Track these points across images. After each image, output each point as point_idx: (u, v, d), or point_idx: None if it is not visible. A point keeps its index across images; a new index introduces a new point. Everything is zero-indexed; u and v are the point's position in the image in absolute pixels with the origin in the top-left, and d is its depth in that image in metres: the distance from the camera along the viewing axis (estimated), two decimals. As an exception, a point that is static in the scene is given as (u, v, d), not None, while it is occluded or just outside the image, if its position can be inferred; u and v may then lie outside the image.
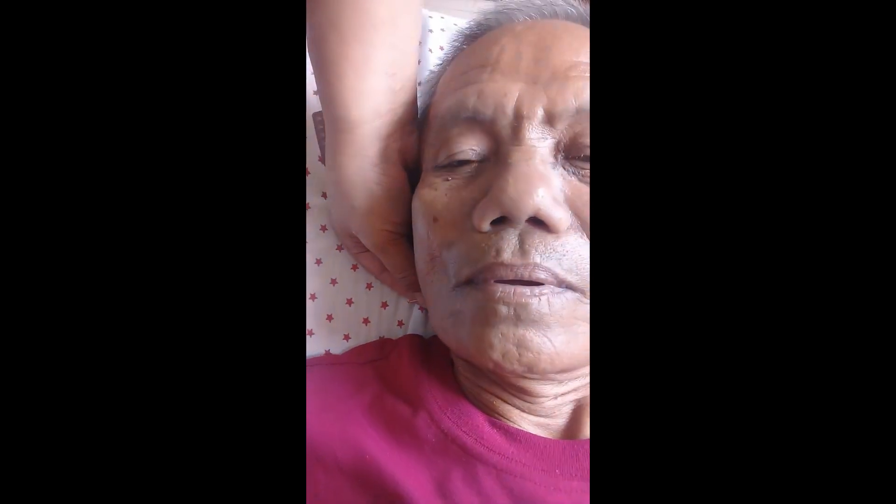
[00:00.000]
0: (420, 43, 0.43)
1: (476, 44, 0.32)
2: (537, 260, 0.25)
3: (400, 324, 0.41)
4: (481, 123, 0.28)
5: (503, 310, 0.25)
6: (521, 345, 0.25)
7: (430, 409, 0.29)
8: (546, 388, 0.28)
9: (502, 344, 0.25)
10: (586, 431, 0.29)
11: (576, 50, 0.28)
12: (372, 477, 0.27)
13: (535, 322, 0.25)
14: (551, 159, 0.27)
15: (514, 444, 0.28)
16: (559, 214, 0.25)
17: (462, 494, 0.25)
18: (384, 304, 0.41)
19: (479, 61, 0.30)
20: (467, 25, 0.36)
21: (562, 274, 0.25)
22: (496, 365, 0.26)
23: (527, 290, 0.25)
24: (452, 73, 0.32)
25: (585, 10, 0.34)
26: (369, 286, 0.41)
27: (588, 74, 0.28)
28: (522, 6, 0.33)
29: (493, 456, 0.27)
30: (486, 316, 0.26)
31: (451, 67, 0.33)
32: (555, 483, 0.26)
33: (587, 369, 0.29)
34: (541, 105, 0.27)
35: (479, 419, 0.29)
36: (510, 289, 0.25)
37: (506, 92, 0.27)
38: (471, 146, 0.28)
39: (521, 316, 0.25)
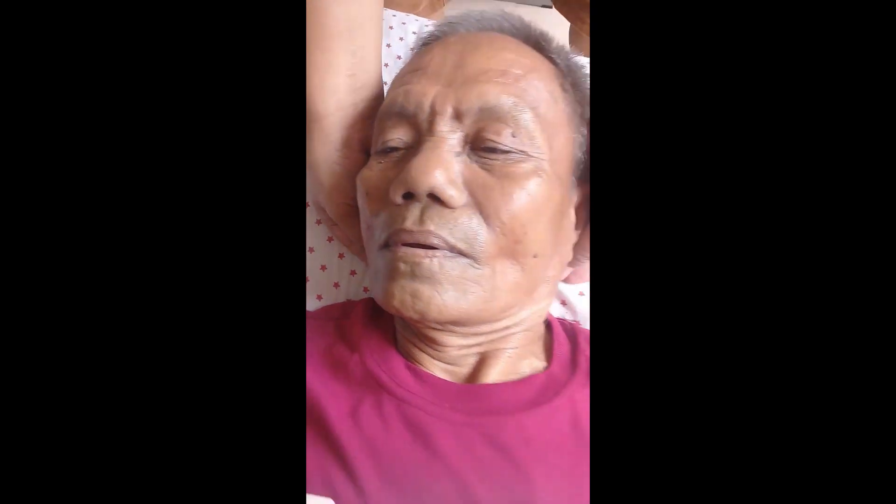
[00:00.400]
0: (388, 45, 0.49)
1: (419, 51, 0.39)
2: (431, 228, 0.31)
3: (365, 290, 0.48)
4: (406, 117, 0.34)
5: (403, 267, 0.31)
6: (414, 295, 0.31)
7: (363, 353, 0.36)
8: (450, 339, 0.34)
9: (401, 294, 0.31)
10: (485, 379, 0.34)
11: (489, 57, 0.34)
12: (310, 403, 0.33)
13: (427, 278, 0.31)
14: (458, 149, 0.33)
15: (419, 383, 0.34)
16: (452, 192, 0.31)
17: (367, 417, 0.32)
18: (353, 272, 0.48)
19: (414, 66, 0.36)
20: (423, 36, 0.42)
21: (452, 241, 0.31)
22: (397, 311, 0.32)
23: (421, 251, 0.31)
24: (398, 75, 0.38)
25: (521, 23, 0.39)
26: (341, 256, 0.48)
27: (501, 79, 0.33)
28: (463, 21, 0.39)
29: (399, 390, 0.33)
30: (391, 272, 0.32)
31: (399, 70, 0.39)
32: (442, 414, 0.32)
33: (489, 327, 0.34)
34: (450, 104, 0.33)
35: (398, 363, 0.35)
36: (410, 251, 0.31)
37: (426, 92, 0.33)
38: (399, 136, 0.34)
39: (415, 272, 0.31)
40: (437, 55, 0.35)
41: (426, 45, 0.40)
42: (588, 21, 0.79)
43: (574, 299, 0.47)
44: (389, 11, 0.59)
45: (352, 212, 0.40)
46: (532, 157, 0.32)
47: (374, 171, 0.35)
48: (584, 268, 0.43)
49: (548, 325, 0.40)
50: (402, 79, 0.36)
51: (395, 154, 0.35)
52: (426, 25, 0.44)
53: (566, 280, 0.45)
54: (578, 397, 0.34)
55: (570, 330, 0.40)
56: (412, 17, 0.60)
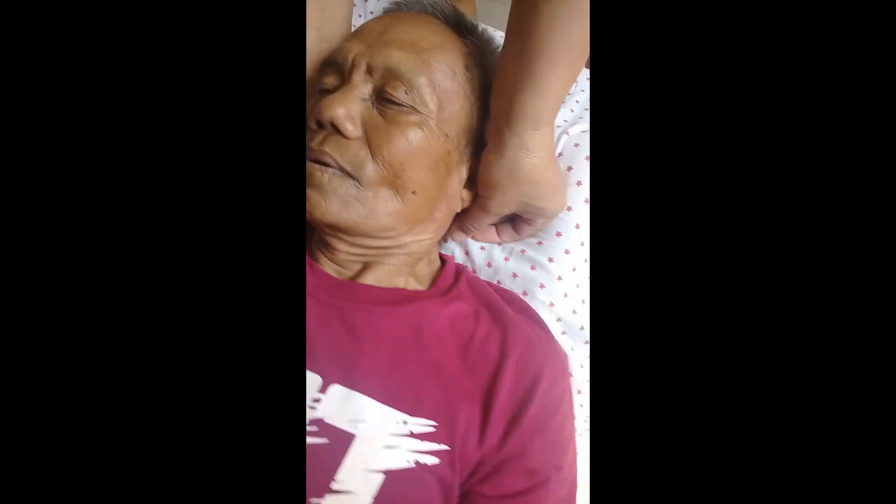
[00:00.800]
0: (360, 16, 0.58)
1: (367, 20, 0.48)
2: (327, 150, 0.40)
3: None
4: (336, 67, 0.43)
5: (307, 177, 0.41)
6: (308, 200, 0.40)
7: None
8: (340, 245, 0.44)
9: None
10: (361, 280, 0.44)
11: (405, 31, 0.43)
12: None
13: (317, 188, 0.40)
14: (365, 96, 0.42)
15: (314, 275, 0.43)
16: (347, 126, 0.40)
17: None
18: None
19: (356, 31, 0.45)
20: (380, 10, 0.51)
21: (342, 163, 0.40)
22: None
23: (318, 166, 0.40)
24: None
25: (451, 10, 0.48)
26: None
27: (407, 49, 0.41)
28: (406, 2, 0.48)
29: None
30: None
31: None
32: (318, 297, 0.41)
33: (371, 241, 0.43)
34: (365, 61, 0.42)
35: (306, 261, 0.45)
36: (311, 164, 0.41)
37: (352, 49, 0.42)
38: (330, 81, 0.44)
39: (311, 182, 0.40)
40: (372, 24, 0.45)
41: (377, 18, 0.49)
42: None
43: (476, 252, 0.56)
44: None
45: None
46: (419, 112, 0.41)
47: (312, 104, 0.45)
48: (490, 230, 0.51)
49: (443, 262, 0.50)
50: (346, 38, 0.46)
51: (327, 94, 0.44)
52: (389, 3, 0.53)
53: (473, 236, 0.53)
54: (429, 309, 0.43)
55: (459, 271, 0.49)
56: None
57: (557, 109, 0.43)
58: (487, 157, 0.44)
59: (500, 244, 0.52)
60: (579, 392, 0.51)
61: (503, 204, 0.46)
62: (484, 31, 0.49)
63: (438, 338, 0.41)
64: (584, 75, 0.59)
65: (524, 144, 0.42)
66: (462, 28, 0.47)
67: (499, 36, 0.51)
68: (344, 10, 0.49)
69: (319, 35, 0.47)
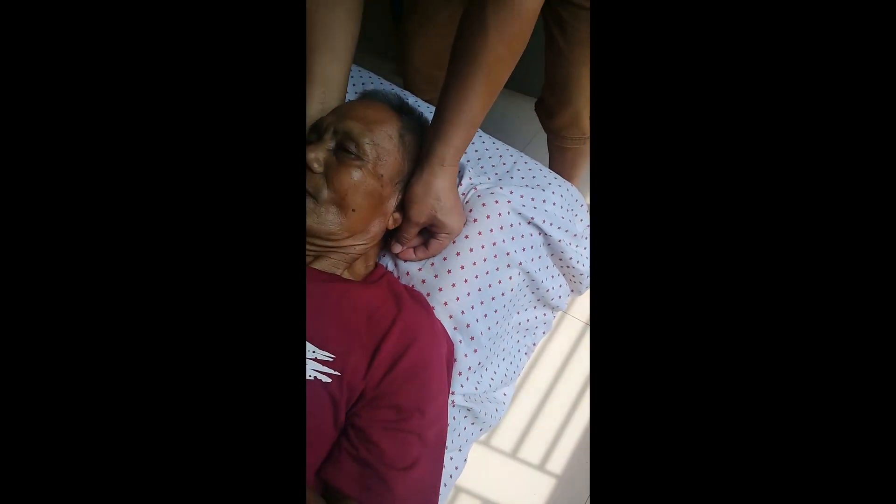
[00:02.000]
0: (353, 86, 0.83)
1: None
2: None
3: None
4: (317, 128, 0.67)
5: None
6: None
7: None
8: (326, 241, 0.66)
9: None
10: (312, 265, 0.65)
11: (361, 110, 0.67)
12: None
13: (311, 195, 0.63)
14: (331, 147, 0.65)
15: None
16: (314, 165, 0.63)
17: None
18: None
19: (333, 110, 0.70)
20: (357, 93, 0.76)
21: (309, 189, 0.63)
22: None
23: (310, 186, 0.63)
24: None
25: (397, 98, 0.72)
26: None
27: (359, 121, 0.65)
28: (371, 92, 0.72)
29: None
30: None
31: None
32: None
33: (321, 241, 0.64)
34: (333, 126, 0.65)
35: None
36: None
37: (326, 119, 0.67)
38: (313, 136, 0.67)
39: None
40: (343, 105, 0.69)
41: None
42: (425, 93, 1.08)
43: (400, 265, 0.75)
44: (356, 67, 0.93)
45: None
46: (362, 160, 0.64)
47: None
48: (409, 251, 0.72)
49: (378, 270, 0.70)
50: (328, 114, 0.70)
51: (308, 144, 0.68)
52: (376, 85, 0.80)
53: (399, 256, 0.74)
54: (353, 290, 0.63)
55: (384, 273, 0.70)
56: (372, 75, 0.94)
57: (458, 157, 0.66)
58: (412, 179, 0.67)
59: (416, 260, 0.73)
60: (460, 374, 0.69)
61: (419, 213, 0.67)
62: (419, 112, 0.73)
63: (353, 308, 0.61)
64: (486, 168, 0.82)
65: (435, 172, 0.65)
66: (402, 109, 0.71)
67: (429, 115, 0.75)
68: (341, 91, 0.74)
69: (323, 108, 0.72)
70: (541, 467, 1.06)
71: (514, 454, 1.08)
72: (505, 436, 1.09)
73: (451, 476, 0.72)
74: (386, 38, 1.71)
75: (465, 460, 0.75)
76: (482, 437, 1.09)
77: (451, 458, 0.73)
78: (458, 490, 1.05)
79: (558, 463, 1.06)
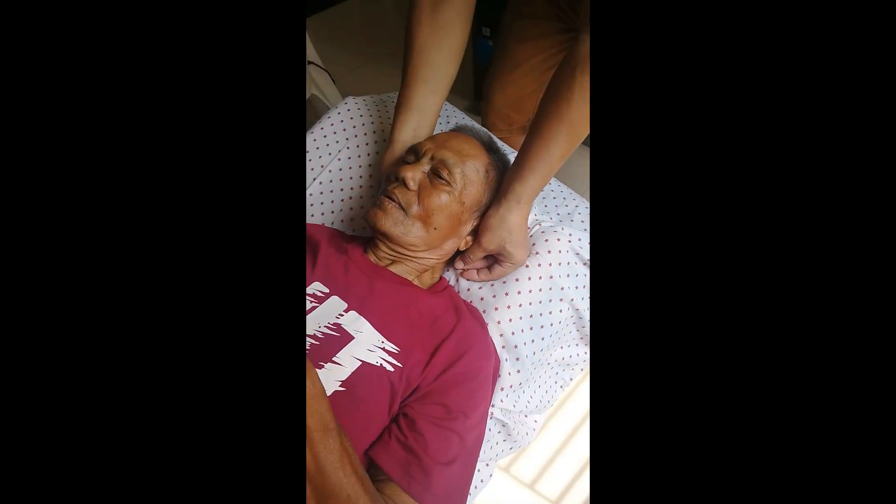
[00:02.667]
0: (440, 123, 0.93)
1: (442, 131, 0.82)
2: (395, 192, 0.71)
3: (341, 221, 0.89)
4: (415, 151, 0.76)
5: (378, 202, 0.72)
6: (375, 216, 0.71)
7: (350, 246, 0.77)
8: (381, 246, 0.73)
9: (373, 214, 0.72)
10: (389, 268, 0.73)
11: (457, 142, 0.75)
12: (315, 246, 0.75)
13: (383, 209, 0.71)
14: (426, 170, 0.73)
15: (363, 259, 0.73)
16: (410, 183, 0.71)
17: (339, 264, 0.72)
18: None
19: (431, 137, 0.79)
20: (450, 126, 0.85)
21: (400, 200, 0.71)
22: (371, 222, 0.73)
23: (387, 199, 0.71)
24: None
25: (487, 136, 0.80)
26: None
27: (455, 152, 0.74)
28: (464, 127, 0.81)
29: (354, 260, 0.73)
30: (375, 204, 0.73)
31: None
32: (359, 269, 0.71)
33: (401, 249, 0.72)
34: (431, 152, 0.74)
35: (359, 251, 0.75)
36: (383, 197, 0.72)
37: (425, 145, 0.75)
38: (411, 157, 0.76)
39: (381, 206, 0.71)
40: (440, 135, 0.78)
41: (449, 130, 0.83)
42: (503, 132, 1.19)
43: (462, 282, 0.82)
44: (447, 104, 1.03)
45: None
46: (450, 186, 0.72)
47: (394, 164, 0.78)
48: (473, 272, 0.80)
49: (442, 282, 0.78)
50: (427, 139, 0.80)
51: (403, 164, 0.77)
52: (460, 120, 0.90)
53: (463, 276, 0.81)
54: (419, 295, 0.70)
55: (447, 286, 0.77)
56: (455, 109, 1.04)
57: (533, 197, 0.73)
58: (489, 211, 0.75)
59: (476, 281, 0.80)
60: (502, 389, 0.75)
61: (490, 241, 0.74)
62: (504, 152, 0.82)
63: (420, 312, 0.69)
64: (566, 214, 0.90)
65: (510, 208, 0.73)
66: (491, 147, 0.79)
67: (511, 155, 0.83)
68: (432, 121, 0.84)
69: (414, 133, 0.82)
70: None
71: (532, 485, 1.10)
72: (526, 466, 1.12)
73: (475, 487, 0.77)
74: (464, 79, 1.84)
75: (491, 475, 0.80)
76: (503, 463, 1.12)
77: (479, 471, 0.77)
78: (473, 510, 1.08)
79: (574, 501, 1.08)
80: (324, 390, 0.51)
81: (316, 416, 0.49)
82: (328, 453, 0.48)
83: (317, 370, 0.60)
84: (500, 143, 0.84)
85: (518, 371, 0.76)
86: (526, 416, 0.82)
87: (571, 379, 0.91)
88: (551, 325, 0.79)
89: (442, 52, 0.81)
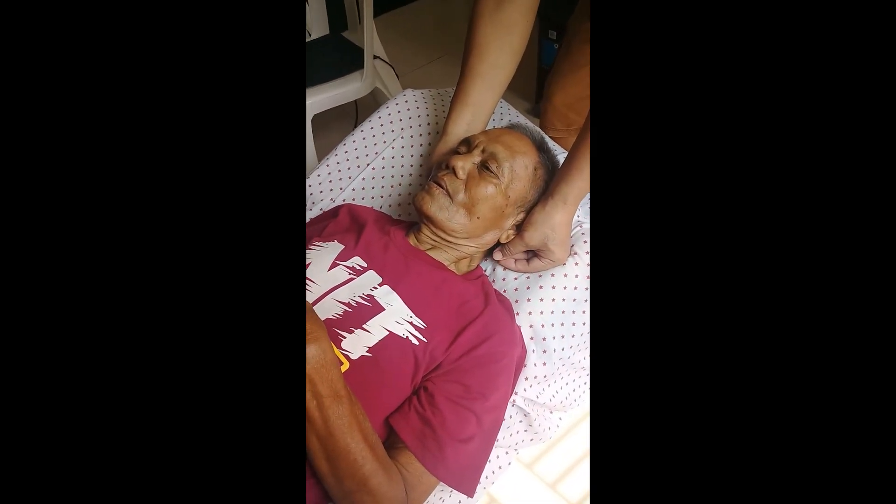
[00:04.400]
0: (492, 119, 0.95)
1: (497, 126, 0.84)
2: (445, 179, 0.74)
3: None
4: (467, 143, 0.79)
5: (427, 188, 0.75)
6: (423, 199, 0.74)
7: (393, 228, 0.81)
8: (425, 230, 0.77)
9: (420, 198, 0.75)
10: (428, 252, 0.76)
11: (509, 138, 0.77)
12: (363, 223, 0.79)
13: (430, 194, 0.74)
14: (476, 161, 0.76)
15: (404, 241, 0.77)
16: (459, 172, 0.74)
17: (379, 242, 0.76)
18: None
19: (485, 131, 0.81)
20: (505, 123, 0.87)
21: (448, 187, 0.74)
22: (418, 205, 0.76)
23: (435, 185, 0.74)
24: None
25: (538, 134, 0.82)
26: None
27: (506, 147, 0.76)
28: (517, 125, 0.83)
29: (395, 242, 0.77)
30: (424, 188, 0.76)
31: None
32: (399, 251, 0.75)
33: (444, 235, 0.75)
34: (483, 145, 0.76)
35: (401, 234, 0.79)
36: (432, 183, 0.75)
37: (478, 137, 0.78)
38: (463, 148, 0.78)
39: (429, 191, 0.74)
40: (494, 130, 0.80)
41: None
42: (560, 132, 1.19)
43: (498, 271, 0.84)
44: (504, 102, 1.05)
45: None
46: (498, 178, 0.74)
47: (446, 154, 0.81)
48: (510, 261, 0.81)
49: (477, 270, 0.80)
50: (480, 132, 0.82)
51: (455, 153, 0.80)
52: (514, 118, 0.91)
53: (501, 263, 0.83)
54: (452, 279, 0.73)
55: (480, 275, 0.79)
56: (511, 108, 1.06)
57: (580, 198, 0.74)
58: (536, 207, 0.76)
59: (514, 270, 0.81)
60: (526, 379, 0.76)
61: (533, 237, 0.76)
62: (554, 153, 0.83)
63: (450, 293, 0.71)
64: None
65: (557, 207, 0.74)
66: (542, 146, 0.81)
67: (561, 157, 0.84)
68: (486, 118, 0.87)
69: (468, 128, 0.85)
70: (577, 511, 1.07)
71: (554, 485, 1.10)
72: (551, 465, 1.12)
73: (493, 472, 0.78)
74: (527, 82, 1.85)
75: (510, 464, 0.81)
76: (527, 459, 1.12)
77: (497, 457, 0.79)
78: (492, 500, 1.08)
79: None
80: (336, 360, 0.55)
81: (327, 384, 0.53)
82: (337, 418, 0.52)
83: (343, 337, 0.64)
84: (551, 144, 0.85)
85: (544, 364, 0.76)
86: (551, 411, 0.83)
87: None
88: (583, 324, 0.79)
89: (502, 50, 0.83)
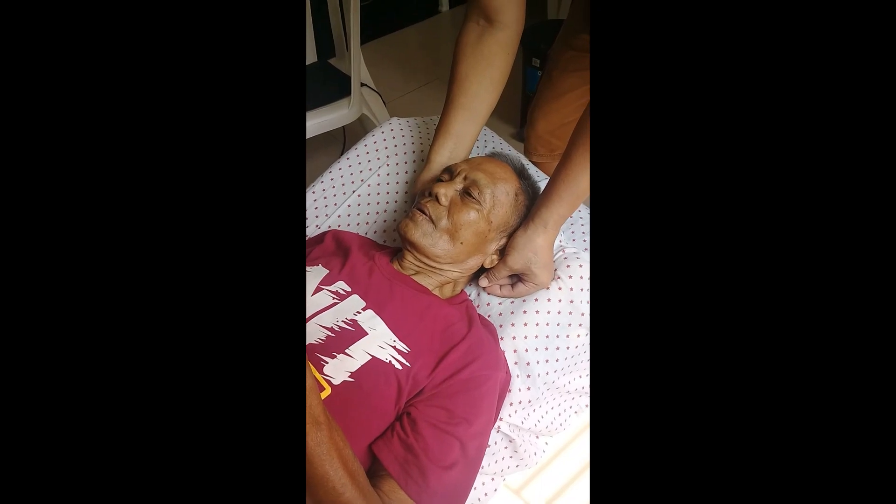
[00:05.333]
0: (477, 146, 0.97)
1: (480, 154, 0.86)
2: (427, 206, 0.75)
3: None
4: (450, 171, 0.80)
5: (410, 215, 0.77)
6: (406, 227, 0.75)
7: (377, 254, 0.82)
8: (408, 256, 0.77)
9: (404, 225, 0.76)
10: (412, 276, 0.77)
11: (490, 166, 0.79)
12: (349, 249, 0.80)
13: (414, 221, 0.75)
14: (458, 188, 0.77)
15: (388, 266, 0.78)
16: (442, 199, 0.75)
17: (363, 266, 0.77)
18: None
19: (467, 159, 0.83)
20: (486, 152, 0.89)
21: (431, 214, 0.75)
22: (401, 232, 0.77)
23: (419, 212, 0.76)
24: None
25: (518, 161, 0.83)
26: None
27: (487, 175, 0.77)
28: (499, 154, 0.85)
29: (380, 267, 0.78)
30: (408, 216, 0.77)
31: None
32: (383, 275, 0.75)
33: (427, 260, 0.76)
34: (465, 173, 0.78)
35: (386, 260, 0.80)
36: (415, 210, 0.76)
37: (460, 166, 0.80)
38: (445, 176, 0.80)
39: (413, 218, 0.76)
40: (476, 158, 0.82)
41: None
42: (543, 157, 1.22)
43: (483, 296, 0.85)
44: (487, 129, 1.07)
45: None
46: (480, 204, 0.76)
47: (429, 182, 0.82)
48: (495, 287, 0.82)
49: (461, 295, 0.81)
50: (462, 161, 0.84)
51: (438, 181, 0.81)
52: (497, 144, 0.94)
53: (486, 290, 0.84)
54: (436, 304, 0.74)
55: (465, 300, 0.80)
56: (494, 135, 1.08)
57: (560, 223, 0.76)
58: (518, 231, 0.78)
59: (498, 296, 0.82)
60: (511, 404, 0.76)
61: (516, 261, 0.77)
62: (534, 179, 0.84)
63: (434, 318, 0.72)
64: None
65: (537, 231, 0.75)
66: (523, 173, 0.83)
67: (543, 182, 0.86)
68: (469, 147, 0.89)
69: (451, 156, 0.87)
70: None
71: (542, 513, 1.08)
72: (539, 489, 1.10)
73: (479, 499, 0.78)
74: (512, 107, 1.89)
75: (496, 490, 0.80)
76: (515, 484, 1.11)
77: (483, 484, 0.78)
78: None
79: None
80: (315, 386, 0.55)
81: (305, 410, 0.52)
82: (315, 445, 0.52)
83: (326, 362, 0.64)
84: (533, 171, 0.87)
85: (528, 388, 0.77)
86: (537, 436, 0.82)
87: (587, 406, 0.90)
88: (567, 348, 0.80)
89: (483, 82, 0.86)
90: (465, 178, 0.77)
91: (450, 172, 0.80)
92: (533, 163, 1.07)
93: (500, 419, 0.75)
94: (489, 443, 0.71)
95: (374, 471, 0.63)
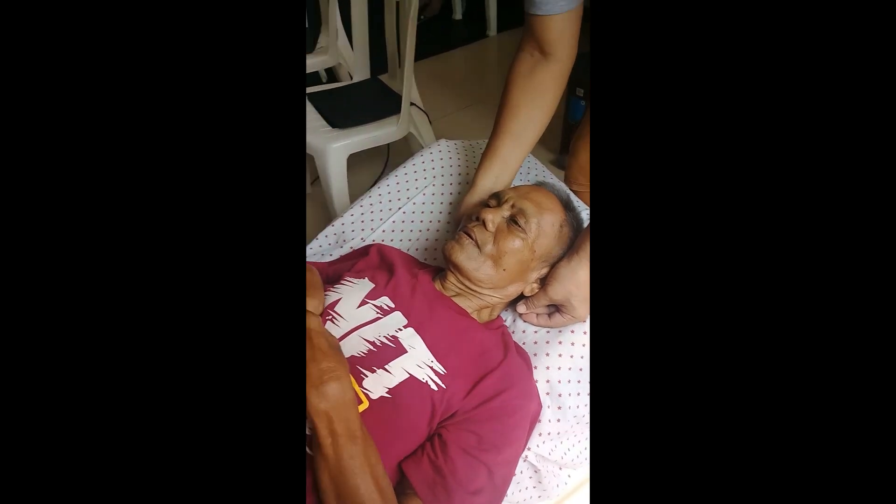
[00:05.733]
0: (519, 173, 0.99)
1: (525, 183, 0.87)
2: (474, 230, 0.77)
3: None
4: (497, 197, 0.82)
5: (457, 237, 0.78)
6: (452, 248, 0.77)
7: (420, 272, 0.84)
8: (451, 277, 0.79)
9: (450, 247, 0.78)
10: (453, 298, 0.78)
11: (537, 196, 0.80)
12: (393, 265, 0.82)
13: (459, 244, 0.77)
14: (505, 215, 0.79)
15: (430, 286, 0.80)
16: (489, 225, 0.77)
17: (407, 284, 0.78)
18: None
19: (515, 187, 0.85)
20: (531, 180, 0.90)
21: (477, 238, 0.76)
22: (447, 253, 0.79)
23: (465, 236, 0.77)
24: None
25: (564, 192, 0.85)
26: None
27: (534, 204, 0.79)
28: (544, 183, 0.86)
29: (422, 286, 0.79)
30: (454, 238, 0.79)
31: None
32: (424, 295, 0.77)
33: (469, 283, 0.78)
34: (512, 200, 0.80)
35: (428, 278, 0.81)
36: (461, 233, 0.78)
37: (507, 192, 0.81)
38: (493, 202, 0.81)
39: (459, 241, 0.77)
40: (523, 187, 0.84)
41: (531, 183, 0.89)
42: (583, 187, 1.22)
43: (518, 324, 0.86)
44: (531, 157, 1.08)
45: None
46: (525, 233, 0.77)
47: (475, 206, 0.84)
48: (532, 316, 0.83)
49: (498, 320, 0.82)
50: (510, 188, 0.86)
51: (485, 206, 0.83)
52: (539, 171, 0.96)
53: (524, 318, 0.84)
54: (474, 327, 0.75)
55: (500, 325, 0.81)
56: (537, 162, 1.09)
57: None
58: (560, 262, 0.78)
59: (534, 325, 0.83)
60: (539, 434, 0.76)
61: (557, 292, 0.77)
62: (579, 211, 0.85)
63: (471, 342, 0.73)
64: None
65: (581, 265, 0.75)
66: (569, 205, 0.84)
67: (585, 213, 0.87)
68: (512, 174, 0.90)
69: (496, 181, 0.89)
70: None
71: (557, 547, 1.07)
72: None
73: (499, 527, 0.77)
74: (553, 135, 1.91)
75: (516, 520, 0.80)
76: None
77: (505, 512, 0.78)
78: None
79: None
80: (355, 400, 0.56)
81: (343, 423, 0.54)
82: (350, 458, 0.53)
83: (365, 376, 0.65)
84: (577, 202, 0.88)
85: (559, 420, 0.77)
86: (560, 468, 0.82)
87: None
88: (599, 381, 0.80)
89: (533, 111, 0.88)
90: (512, 206, 0.79)
91: (497, 199, 0.81)
92: (573, 191, 1.08)
93: (528, 448, 0.75)
94: (515, 472, 0.71)
95: (402, 488, 0.64)
